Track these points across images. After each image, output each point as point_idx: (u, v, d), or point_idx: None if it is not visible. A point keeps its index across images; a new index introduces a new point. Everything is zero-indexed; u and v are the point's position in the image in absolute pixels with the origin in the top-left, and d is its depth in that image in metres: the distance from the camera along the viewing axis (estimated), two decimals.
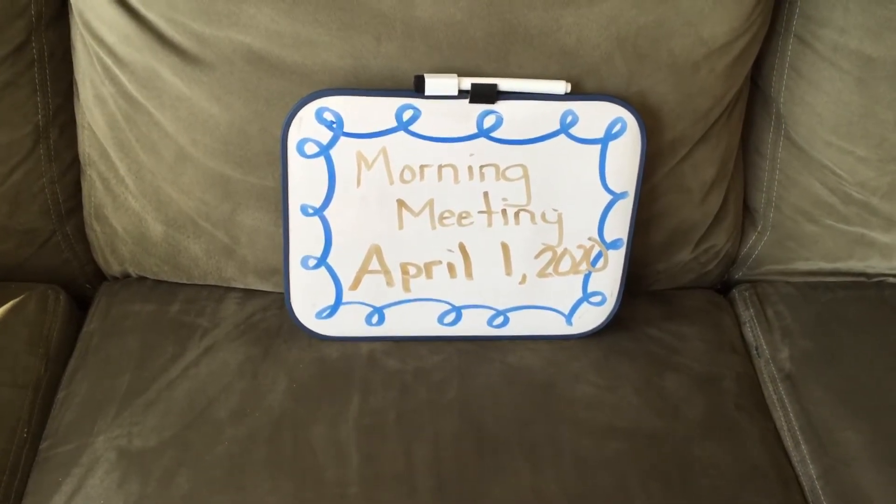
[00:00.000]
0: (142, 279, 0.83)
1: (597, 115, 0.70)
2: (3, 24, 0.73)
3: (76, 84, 0.77)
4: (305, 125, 0.68)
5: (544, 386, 0.74)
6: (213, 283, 0.82)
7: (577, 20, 0.69)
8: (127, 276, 0.84)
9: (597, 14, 0.69)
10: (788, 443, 0.74)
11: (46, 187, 0.80)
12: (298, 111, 0.68)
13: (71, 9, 0.74)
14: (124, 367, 0.74)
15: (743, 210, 0.87)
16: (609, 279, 0.76)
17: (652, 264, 0.83)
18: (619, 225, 0.74)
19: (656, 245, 0.82)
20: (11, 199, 0.78)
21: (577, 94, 0.70)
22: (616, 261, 0.76)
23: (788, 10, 0.78)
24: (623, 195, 0.73)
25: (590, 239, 0.74)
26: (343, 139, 0.69)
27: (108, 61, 0.73)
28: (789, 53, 0.79)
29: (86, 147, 0.78)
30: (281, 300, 0.79)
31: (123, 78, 0.73)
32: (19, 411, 0.72)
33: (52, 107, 0.77)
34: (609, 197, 0.73)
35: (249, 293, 0.81)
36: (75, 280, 0.85)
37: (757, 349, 0.82)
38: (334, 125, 0.69)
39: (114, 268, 0.83)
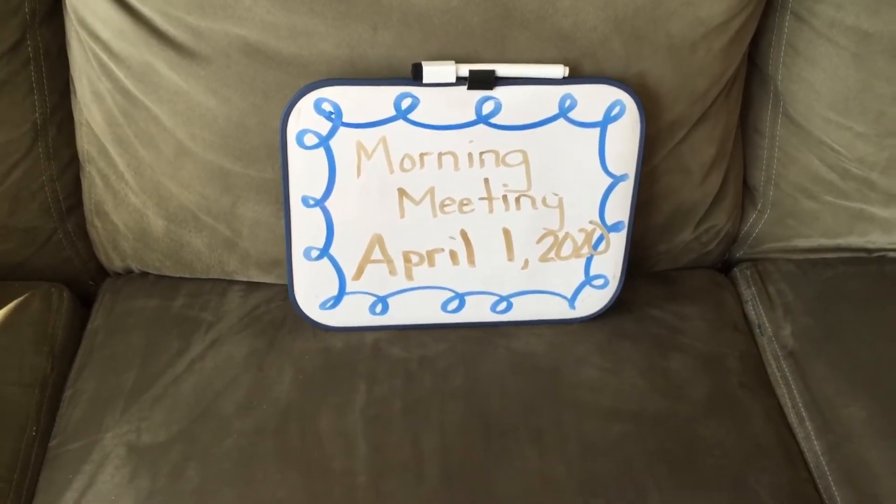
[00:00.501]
0: (144, 274, 0.83)
1: (595, 98, 0.70)
2: None
3: (72, 81, 0.77)
4: (304, 116, 0.68)
5: (549, 371, 0.75)
6: (215, 276, 0.82)
7: (573, 3, 0.69)
8: (129, 271, 0.84)
9: None
10: (793, 420, 0.75)
11: (46, 185, 0.80)
12: (297, 102, 0.68)
13: (65, 5, 0.73)
14: (130, 363, 0.74)
15: (743, 188, 0.87)
16: (611, 262, 0.77)
17: (653, 245, 0.84)
18: (620, 207, 0.74)
19: (657, 226, 0.82)
20: (11, 198, 0.78)
21: (575, 77, 0.70)
22: (618, 243, 0.76)
23: None
24: (623, 178, 0.73)
25: (591, 222, 0.74)
26: (342, 129, 0.69)
27: (104, 57, 0.72)
28: (786, 30, 0.79)
29: (84, 144, 0.78)
30: (284, 292, 0.79)
31: (120, 73, 0.72)
32: (27, 410, 0.72)
33: (49, 104, 0.77)
34: (609, 180, 0.73)
35: (252, 286, 0.81)
36: (78, 277, 0.85)
37: (759, 327, 0.82)
38: (333, 116, 0.68)
39: (116, 264, 0.83)
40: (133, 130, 0.75)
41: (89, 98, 0.75)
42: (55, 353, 0.77)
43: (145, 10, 0.70)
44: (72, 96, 0.77)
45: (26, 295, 0.80)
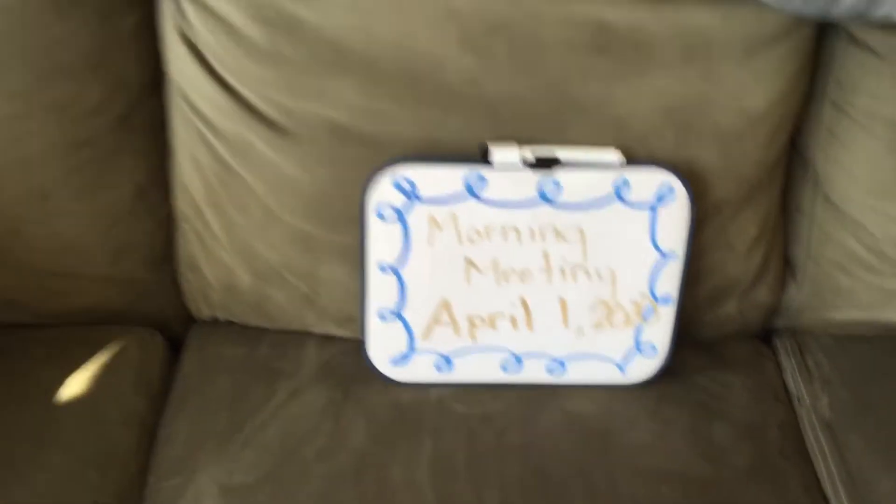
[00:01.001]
0: (229, 323, 0.91)
1: (647, 181, 0.76)
2: (111, 96, 0.81)
3: (173, 148, 0.85)
4: (383, 191, 0.76)
5: (601, 433, 0.80)
6: (294, 328, 0.89)
7: (628, 94, 0.76)
8: (216, 320, 0.92)
9: (647, 88, 0.76)
10: (829, 491, 0.78)
11: (145, 240, 0.88)
12: (377, 178, 0.76)
13: (170, 81, 0.82)
14: (220, 406, 0.81)
15: (783, 263, 0.91)
16: (660, 332, 0.82)
17: (699, 315, 0.89)
18: (669, 282, 0.80)
19: (703, 298, 0.87)
20: (114, 251, 0.87)
21: (628, 161, 0.76)
22: (666, 315, 0.82)
23: (824, 79, 0.83)
24: (672, 255, 0.79)
25: (642, 295, 0.80)
26: (417, 204, 0.76)
27: (204, 130, 0.81)
28: (825, 118, 0.84)
29: (181, 204, 0.86)
30: (357, 345, 0.85)
31: (218, 145, 0.81)
32: (129, 447, 0.80)
33: (151, 168, 0.86)
34: (660, 256, 0.79)
35: (328, 338, 0.88)
36: (168, 323, 0.93)
37: (798, 398, 0.87)
38: (409, 191, 0.76)
39: (204, 313, 0.91)
40: (227, 196, 0.83)
41: (189, 164, 0.84)
42: (151, 394, 0.85)
43: (244, 91, 0.78)
44: (171, 161, 0.85)
45: (125, 340, 0.88)
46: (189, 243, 0.87)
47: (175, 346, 0.92)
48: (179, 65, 0.79)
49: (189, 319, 0.93)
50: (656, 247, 0.78)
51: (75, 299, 0.88)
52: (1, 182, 0.80)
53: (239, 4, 0.74)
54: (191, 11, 0.77)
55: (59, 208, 0.83)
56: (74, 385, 0.83)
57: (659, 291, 0.81)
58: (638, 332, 0.82)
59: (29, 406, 0.80)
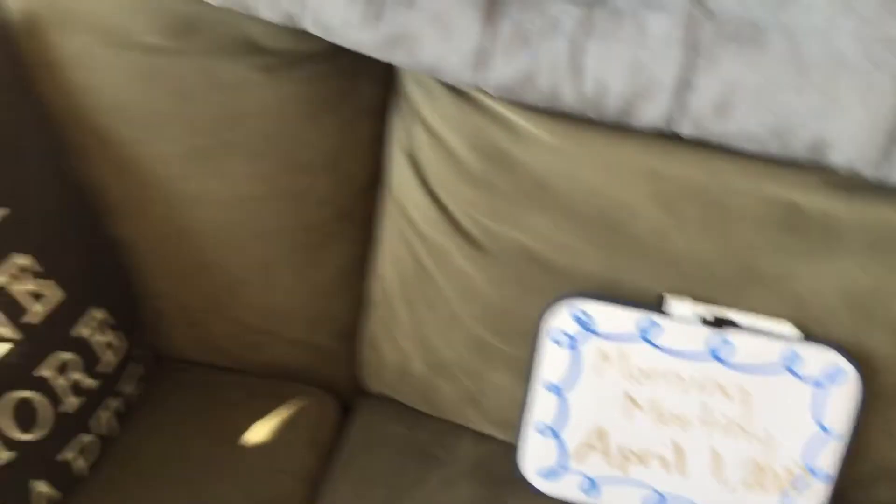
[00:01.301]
0: (395, 401, 0.99)
1: (818, 358, 0.79)
2: (338, 191, 0.93)
3: (378, 241, 0.94)
4: (561, 319, 0.82)
5: None
6: (454, 420, 0.96)
7: (810, 273, 0.79)
8: (383, 395, 1.00)
9: (830, 270, 0.78)
10: None
11: (339, 315, 0.99)
12: (557, 306, 0.82)
13: (387, 185, 0.93)
14: (379, 478, 0.89)
15: None
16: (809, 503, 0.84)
17: (848, 492, 0.88)
18: (827, 459, 0.81)
19: (857, 478, 0.87)
20: (312, 320, 0.98)
21: (802, 336, 0.79)
22: (819, 490, 0.83)
23: None
24: (833, 433, 0.81)
25: (797, 464, 0.82)
26: (591, 336, 0.82)
27: (409, 232, 0.90)
28: None
29: (376, 291, 0.96)
30: (509, 448, 0.91)
31: (419, 247, 0.90)
32: (295, 497, 0.89)
33: (356, 255, 0.97)
34: (821, 432, 0.81)
35: (483, 436, 0.94)
36: (342, 389, 1.02)
37: None
38: (585, 323, 0.82)
39: (375, 387, 1.00)
40: (419, 292, 0.91)
41: (389, 258, 0.93)
42: (321, 452, 0.94)
43: (452, 207, 0.86)
44: (374, 252, 0.95)
45: (305, 398, 0.98)
46: (374, 325, 0.97)
47: (343, 411, 1.01)
48: (399, 174, 0.90)
49: (360, 390, 1.02)
50: (818, 422, 0.80)
51: (270, 354, 1.00)
52: (236, 251, 0.93)
53: (461, 134, 0.84)
54: (418, 133, 0.87)
55: (275, 278, 0.95)
56: (258, 430, 0.93)
57: (815, 466, 0.82)
58: (787, 498, 0.84)
59: (218, 441, 0.92)
